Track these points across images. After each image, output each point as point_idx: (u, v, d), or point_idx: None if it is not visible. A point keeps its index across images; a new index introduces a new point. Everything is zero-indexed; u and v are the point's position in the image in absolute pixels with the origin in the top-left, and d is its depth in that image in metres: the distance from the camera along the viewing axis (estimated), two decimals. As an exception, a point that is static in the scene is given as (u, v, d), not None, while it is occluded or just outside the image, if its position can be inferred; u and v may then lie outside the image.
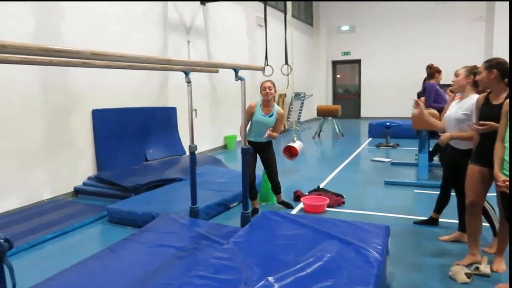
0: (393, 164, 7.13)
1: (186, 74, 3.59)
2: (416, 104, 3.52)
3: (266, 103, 4.39)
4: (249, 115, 4.34)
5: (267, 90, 4.32)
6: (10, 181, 4.67)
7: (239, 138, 9.52)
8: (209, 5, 8.47)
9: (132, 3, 6.37)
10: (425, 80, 6.46)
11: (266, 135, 4.28)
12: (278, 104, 11.77)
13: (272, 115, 4.40)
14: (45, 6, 4.95)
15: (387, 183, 5.71)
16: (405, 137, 9.47)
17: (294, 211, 4.65)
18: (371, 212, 4.54)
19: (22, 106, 4.75)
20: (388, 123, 9.37)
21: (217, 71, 4.14)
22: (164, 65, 2.66)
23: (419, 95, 7.33)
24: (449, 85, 4.19)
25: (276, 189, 4.70)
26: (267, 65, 7.47)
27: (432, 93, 5.73)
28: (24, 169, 4.83)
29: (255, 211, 4.49)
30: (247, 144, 3.68)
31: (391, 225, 3.15)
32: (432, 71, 6.05)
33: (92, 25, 5.65)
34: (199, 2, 8.17)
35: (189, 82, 3.66)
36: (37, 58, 2.18)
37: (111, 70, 5.69)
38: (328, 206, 4.69)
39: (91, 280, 2.75)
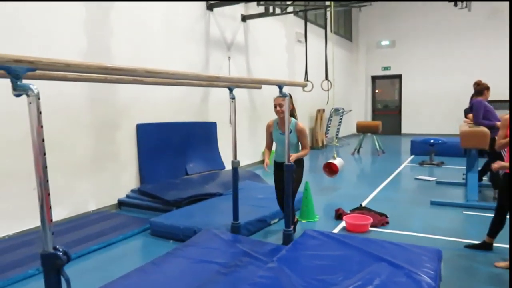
0: (438, 183, 6.85)
1: (231, 90, 3.61)
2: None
3: (282, 121, 3.90)
4: (268, 134, 4.12)
5: (278, 108, 3.85)
6: (59, 192, 4.83)
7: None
8: (250, 21, 8.59)
9: (176, 19, 6.55)
10: (472, 96, 6.21)
11: (288, 159, 3.66)
12: (317, 120, 11.82)
13: (290, 132, 3.85)
14: (95, 24, 5.18)
15: (434, 203, 5.47)
16: (450, 155, 9.12)
17: (336, 230, 4.54)
18: (417, 233, 4.35)
19: (72, 120, 4.94)
20: (432, 140, 9.04)
21: (260, 87, 4.15)
22: (212, 81, 2.70)
23: (466, 112, 7.06)
24: (499, 101, 3.98)
25: (288, 214, 3.85)
26: (307, 80, 7.45)
27: (481, 110, 5.49)
28: (71, 181, 5.00)
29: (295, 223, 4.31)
30: (289, 161, 3.64)
31: (440, 248, 3.00)
32: (480, 88, 5.80)
33: (138, 41, 5.85)
34: (239, 19, 8.30)
35: (233, 98, 3.69)
36: (93, 76, 2.27)
37: (155, 85, 5.84)
38: (371, 226, 4.55)
39: (136, 293, 2.77)
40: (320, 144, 12.17)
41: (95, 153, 5.29)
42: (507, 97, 6.10)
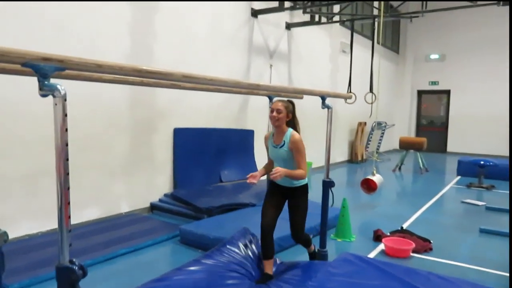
0: (488, 208, 6.35)
1: (270, 99, 3.46)
2: None
3: (276, 131, 3.14)
4: (267, 148, 3.30)
5: (274, 114, 3.04)
6: (94, 192, 4.86)
7: (314, 165, 9.24)
8: (294, 29, 8.44)
9: (220, 25, 6.51)
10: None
11: (272, 175, 2.84)
12: (358, 133, 11.44)
13: (283, 144, 3.06)
14: (140, 26, 5.20)
15: (483, 231, 5.04)
16: (501, 178, 8.51)
17: (373, 253, 4.25)
18: (464, 264, 3.98)
19: (110, 121, 4.96)
20: (482, 162, 8.47)
21: (301, 97, 3.97)
22: (252, 89, 2.56)
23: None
24: None
25: (303, 244, 3.46)
26: (350, 92, 7.19)
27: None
28: (107, 181, 5.01)
29: (266, 277, 3.10)
30: (328, 177, 3.41)
31: (492, 284, 2.68)
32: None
33: (182, 46, 5.83)
34: (284, 27, 8.17)
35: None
36: (129, 78, 2.19)
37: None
38: (413, 251, 4.22)
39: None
40: (360, 158, 11.77)
41: (131, 155, 5.28)
42: None
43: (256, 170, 7.22)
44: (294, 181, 3.09)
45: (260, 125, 7.58)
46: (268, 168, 3.32)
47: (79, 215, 4.65)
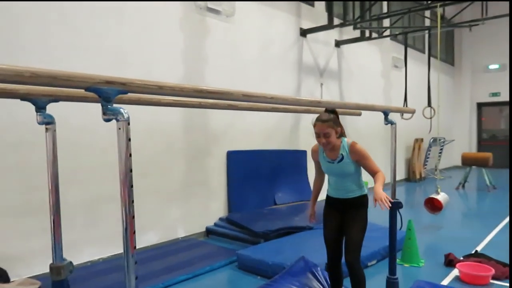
0: None
1: (328, 116, 3.30)
2: None
3: (330, 150, 2.81)
4: (315, 162, 3.02)
5: (322, 139, 2.68)
6: (151, 218, 4.89)
7: (370, 184, 8.85)
8: (343, 46, 8.28)
9: (270, 47, 6.50)
10: None
11: (382, 203, 2.49)
12: (415, 150, 10.90)
13: (342, 158, 2.75)
14: (191, 53, 5.28)
15: None
16: None
17: (446, 281, 3.89)
18: (553, 292, 3.53)
19: (166, 146, 5.02)
20: (559, 177, 7.69)
21: (360, 114, 3.79)
22: (313, 107, 2.44)
23: None
24: None
25: (354, 277, 2.73)
26: (406, 107, 6.86)
27: None
28: (164, 207, 5.03)
29: None
30: (395, 197, 3.14)
31: None
32: None
33: (233, 69, 5.86)
34: (333, 44, 8.04)
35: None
36: (187, 101, 2.15)
37: (247, 112, 5.77)
38: (492, 278, 3.81)
39: None
40: (418, 177, 11.17)
41: (186, 179, 5.30)
42: None
43: (309, 191, 7.02)
44: (350, 192, 2.79)
45: (312, 145, 7.41)
46: (319, 183, 3.08)
47: (137, 241, 4.67)
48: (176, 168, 5.17)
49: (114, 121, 1.35)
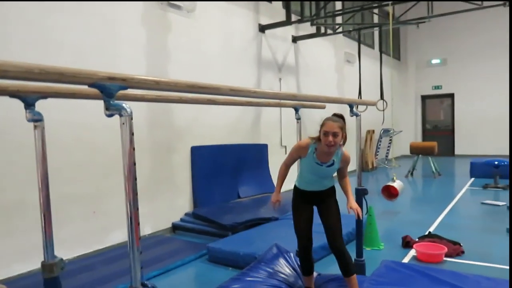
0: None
1: (297, 110, 3.46)
2: None
3: (326, 153, 2.80)
4: (295, 157, 2.98)
5: (330, 138, 2.66)
6: (118, 216, 4.81)
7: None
8: (300, 42, 8.51)
9: (230, 42, 6.57)
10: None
11: (351, 211, 2.85)
12: (367, 141, 11.43)
13: (333, 163, 2.84)
14: (154, 48, 5.24)
15: None
16: (515, 178, 8.45)
17: (405, 260, 4.19)
18: (499, 265, 3.91)
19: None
20: (496, 162, 8.43)
21: (324, 107, 3.97)
22: (289, 100, 2.56)
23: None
24: None
25: (340, 260, 2.85)
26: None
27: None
28: (130, 204, 4.97)
29: None
30: (361, 185, 3.34)
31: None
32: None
33: (195, 64, 5.88)
34: (290, 40, 8.24)
35: (299, 118, 3.53)
36: (168, 96, 2.19)
37: (210, 107, 5.81)
38: (445, 256, 4.16)
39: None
40: (370, 166, 11.73)
41: (152, 176, 5.27)
42: None
43: (272, 183, 7.20)
44: (325, 186, 2.94)
45: (273, 139, 7.58)
46: (286, 174, 3.05)
47: (106, 239, 4.63)
48: (141, 165, 5.11)
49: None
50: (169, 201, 5.54)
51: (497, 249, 4.44)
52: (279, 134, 7.73)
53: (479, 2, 6.90)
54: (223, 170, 6.36)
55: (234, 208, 5.79)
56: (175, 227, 5.57)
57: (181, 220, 5.65)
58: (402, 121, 15.54)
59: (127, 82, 1.40)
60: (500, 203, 6.65)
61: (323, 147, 2.71)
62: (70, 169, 4.25)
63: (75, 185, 4.33)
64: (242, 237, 4.61)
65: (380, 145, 12.24)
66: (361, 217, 2.81)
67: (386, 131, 12.20)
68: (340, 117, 2.76)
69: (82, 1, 4.32)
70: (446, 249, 4.17)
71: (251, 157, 7.02)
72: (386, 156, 12.97)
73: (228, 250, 4.20)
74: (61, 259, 1.71)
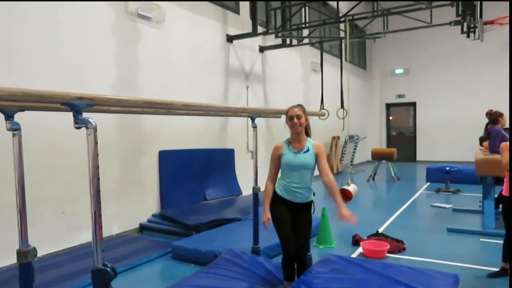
0: (455, 210, 6.87)
1: (253, 119, 3.83)
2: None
3: (296, 138, 3.09)
4: (276, 160, 3.14)
5: (295, 120, 3.00)
6: (87, 216, 5.04)
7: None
8: (267, 52, 8.92)
9: (199, 52, 6.90)
10: (487, 125, 6.32)
11: (340, 215, 2.99)
12: (332, 147, 11.96)
13: (308, 150, 3.05)
14: (123, 58, 5.51)
15: (450, 231, 5.51)
16: (467, 182, 9.11)
17: (353, 256, 4.61)
18: (435, 260, 4.40)
19: (101, 148, 5.17)
20: (448, 168, 9.08)
21: (280, 117, 4.36)
22: (239, 112, 2.92)
23: (481, 139, 7.14)
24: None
25: (303, 266, 3.18)
26: (323, 108, 7.66)
27: (498, 138, 5.57)
28: (98, 205, 5.21)
29: None
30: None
31: (458, 274, 3.08)
32: (494, 117, 5.92)
33: (165, 74, 6.18)
34: (257, 50, 8.64)
35: (255, 127, 3.89)
36: (132, 109, 2.50)
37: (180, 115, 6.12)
38: (388, 252, 4.62)
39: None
40: (335, 171, 12.26)
41: (120, 179, 5.52)
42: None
43: (238, 187, 7.55)
44: (305, 197, 3.09)
45: (240, 144, 7.94)
46: (271, 189, 3.16)
47: (74, 239, 4.84)
48: (110, 168, 5.37)
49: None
50: (137, 203, 5.80)
51: (435, 246, 4.94)
52: (245, 139, 8.10)
53: (428, 21, 7.52)
54: (190, 173, 6.67)
55: (200, 210, 6.10)
56: (142, 227, 5.83)
57: (148, 220, 5.91)
58: (368, 127, 16.23)
59: (93, 101, 1.72)
60: (447, 206, 7.22)
61: (293, 133, 3.05)
62: (40, 171, 4.48)
63: (45, 186, 4.56)
64: (205, 236, 4.93)
65: (345, 150, 12.79)
66: (354, 222, 3.02)
67: (351, 137, 12.77)
68: (299, 105, 3.15)
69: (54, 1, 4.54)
70: (388, 246, 4.63)
71: (218, 161, 7.35)
72: (351, 162, 13.55)
73: (190, 248, 4.51)
74: (34, 248, 2.00)
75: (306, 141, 3.09)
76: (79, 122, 1.66)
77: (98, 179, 1.72)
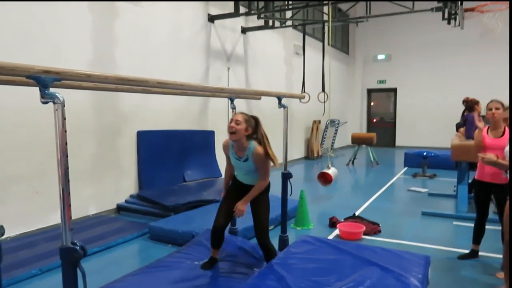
0: (430, 195, 7.02)
1: (232, 100, 3.78)
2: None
3: (236, 145, 3.08)
4: (226, 155, 3.29)
5: (232, 124, 2.97)
6: (61, 196, 4.96)
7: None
8: (249, 33, 8.81)
9: (179, 31, 6.75)
10: (464, 112, 6.42)
11: (235, 213, 3.11)
12: (313, 131, 12.02)
13: (247, 159, 3.05)
14: (100, 35, 5.35)
15: (425, 214, 5.64)
16: (443, 167, 9.31)
17: (330, 237, 4.68)
18: (408, 242, 4.50)
19: (75, 126, 5.07)
20: (425, 153, 9.25)
21: (259, 98, 4.33)
22: (217, 92, 2.87)
23: (458, 126, 7.27)
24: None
25: (266, 253, 3.18)
26: (304, 92, 7.65)
27: (474, 125, 5.69)
28: (74, 186, 5.08)
29: (213, 260, 3.32)
30: (286, 170, 3.69)
31: (431, 256, 3.15)
32: (470, 104, 6.02)
33: (144, 53, 6.03)
34: (240, 31, 8.52)
35: (234, 108, 3.85)
36: (106, 86, 2.43)
37: (157, 94, 6.01)
38: (364, 234, 4.70)
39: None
40: (316, 155, 12.35)
41: (96, 159, 5.42)
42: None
43: (217, 168, 7.53)
44: (256, 181, 3.12)
45: (220, 126, 7.87)
46: (230, 174, 3.37)
47: (48, 219, 4.75)
48: (86, 148, 5.26)
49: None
50: (114, 183, 5.72)
51: (409, 229, 5.06)
52: (226, 121, 8.02)
53: (410, 6, 7.54)
54: (169, 154, 6.60)
55: (178, 191, 6.07)
56: (119, 208, 5.77)
57: (126, 201, 5.85)
58: (349, 112, 16.34)
59: (60, 75, 1.66)
60: (423, 190, 7.38)
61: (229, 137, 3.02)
62: (12, 150, 4.35)
63: (18, 165, 4.44)
64: (183, 217, 4.92)
65: (326, 134, 12.87)
66: (238, 217, 3.14)
67: (332, 122, 12.84)
68: (252, 117, 3.07)
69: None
70: (364, 228, 4.71)
71: (197, 143, 7.30)
72: (332, 146, 13.66)
73: (168, 228, 4.50)
74: (2, 226, 1.94)
75: (247, 150, 3.04)
76: (46, 97, 1.60)
77: (67, 156, 1.67)
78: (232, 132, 2.96)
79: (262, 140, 3.06)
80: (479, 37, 13.63)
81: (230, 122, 2.99)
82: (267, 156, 3.01)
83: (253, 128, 3.04)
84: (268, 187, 3.21)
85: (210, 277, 3.12)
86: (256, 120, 3.08)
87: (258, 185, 3.08)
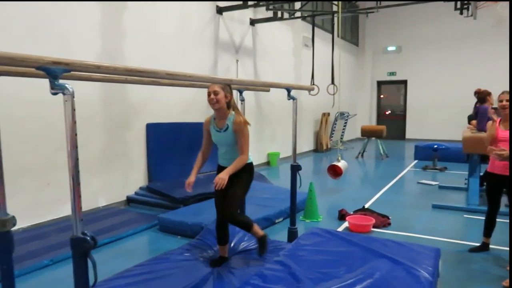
0: (441, 187, 6.96)
1: (240, 92, 3.77)
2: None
3: (217, 115, 3.14)
4: (206, 134, 3.33)
5: (211, 96, 2.99)
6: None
7: (282, 155, 9.64)
8: (258, 25, 8.76)
9: (187, 23, 6.73)
10: (476, 104, 6.33)
11: (215, 182, 3.02)
12: (322, 123, 11.95)
13: (227, 128, 3.07)
14: (109, 27, 5.35)
15: (435, 207, 5.59)
16: (454, 160, 9.22)
17: (339, 230, 4.66)
18: (418, 235, 4.47)
19: (87, 119, 5.11)
20: (435, 146, 9.16)
21: (268, 90, 4.30)
22: (226, 84, 2.86)
23: (470, 118, 7.17)
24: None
25: (240, 226, 3.25)
26: (314, 84, 7.60)
27: (485, 117, 5.60)
28: (84, 178, 5.13)
29: (222, 259, 3.34)
30: (295, 162, 3.70)
31: (441, 249, 3.12)
32: (482, 96, 5.93)
33: (151, 45, 6.02)
34: (248, 23, 8.47)
35: (242, 100, 3.84)
36: (115, 77, 2.43)
37: (165, 86, 6.01)
38: (373, 227, 4.68)
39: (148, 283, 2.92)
40: (325, 147, 12.30)
41: (106, 151, 5.45)
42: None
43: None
44: (235, 158, 3.08)
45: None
46: (204, 155, 3.44)
47: (60, 210, 4.80)
48: (95, 140, 5.30)
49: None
50: (124, 175, 5.76)
51: (419, 221, 5.02)
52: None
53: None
54: (178, 147, 6.62)
55: (188, 183, 6.08)
56: (129, 200, 5.81)
57: (136, 193, 5.90)
58: (359, 105, 16.22)
59: (70, 66, 1.65)
60: (433, 183, 7.31)
61: (214, 110, 3.07)
62: (23, 143, 4.39)
63: (29, 158, 4.49)
64: (192, 209, 4.94)
65: (335, 127, 12.80)
66: (217, 188, 2.97)
67: (341, 114, 12.76)
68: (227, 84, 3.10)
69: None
70: (373, 221, 4.69)
71: (206, 135, 7.29)
72: (341, 138, 13.59)
73: (177, 220, 4.52)
74: (13, 216, 1.96)
75: (227, 119, 3.08)
76: (56, 88, 1.60)
77: (77, 147, 1.67)
78: (215, 103, 3.00)
79: (235, 107, 3.15)
80: (491, 28, 13.41)
81: (209, 96, 3.01)
82: (246, 123, 3.06)
83: (230, 93, 3.08)
84: (251, 169, 3.24)
85: (218, 270, 3.14)
86: (230, 86, 3.12)
87: (238, 159, 3.04)
